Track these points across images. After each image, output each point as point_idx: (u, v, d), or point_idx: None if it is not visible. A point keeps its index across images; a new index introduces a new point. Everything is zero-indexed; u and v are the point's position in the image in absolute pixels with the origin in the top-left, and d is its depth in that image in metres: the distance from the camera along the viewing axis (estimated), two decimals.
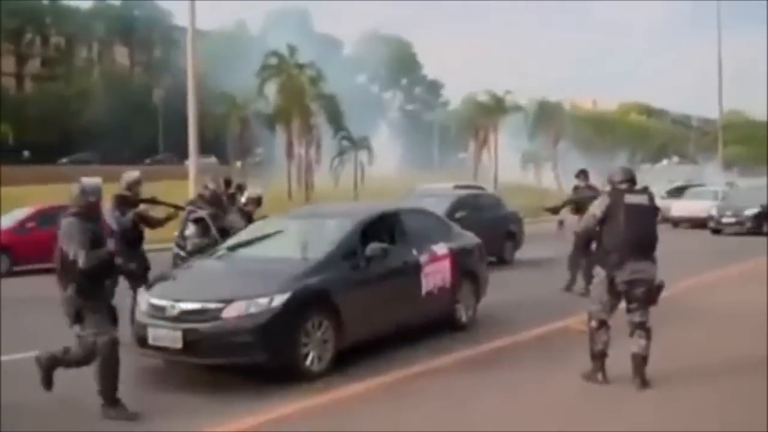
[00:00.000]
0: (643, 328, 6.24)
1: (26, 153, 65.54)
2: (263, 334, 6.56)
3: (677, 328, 8.25)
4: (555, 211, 11.85)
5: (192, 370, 7.08)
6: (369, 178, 46.07)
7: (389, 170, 51.81)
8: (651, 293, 6.22)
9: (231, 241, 8.35)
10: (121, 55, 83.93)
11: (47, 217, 15.24)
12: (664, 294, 6.36)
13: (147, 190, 9.08)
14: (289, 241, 7.91)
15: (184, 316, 6.73)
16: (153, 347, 6.86)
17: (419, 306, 8.30)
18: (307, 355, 6.86)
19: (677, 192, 29.88)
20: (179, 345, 6.64)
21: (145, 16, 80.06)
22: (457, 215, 13.21)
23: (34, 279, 14.43)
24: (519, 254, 16.76)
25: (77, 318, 5.79)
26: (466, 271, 9.24)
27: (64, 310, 5.84)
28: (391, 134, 65.86)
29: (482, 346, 7.97)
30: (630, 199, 6.23)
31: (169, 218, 9.15)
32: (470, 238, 9.77)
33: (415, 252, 8.39)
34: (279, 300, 6.70)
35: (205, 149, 61.37)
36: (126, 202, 8.64)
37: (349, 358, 7.27)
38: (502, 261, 15.53)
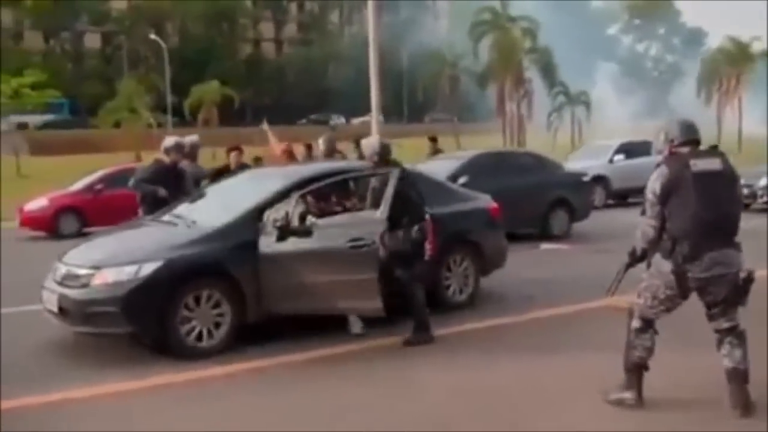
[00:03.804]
0: (734, 334, 4.58)
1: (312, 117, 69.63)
2: (127, 306, 6.07)
3: None
4: None
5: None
6: (599, 133, 43.06)
7: (622, 125, 48.19)
8: (738, 290, 4.52)
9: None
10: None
11: (116, 179, 15.79)
12: None
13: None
14: (213, 203, 7.29)
15: (64, 280, 6.48)
16: (46, 309, 6.71)
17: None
18: (191, 329, 6.29)
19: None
20: (56, 309, 6.43)
21: None
22: (460, 180, 11.21)
23: None
24: None
25: None
26: (464, 240, 8.03)
27: None
28: (633, 87, 61.30)
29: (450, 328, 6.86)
30: (698, 165, 4.48)
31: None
32: (476, 202, 8.45)
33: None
34: (147, 269, 6.14)
35: (417, 109, 61.32)
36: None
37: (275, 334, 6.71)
38: (548, 235, 13.08)
